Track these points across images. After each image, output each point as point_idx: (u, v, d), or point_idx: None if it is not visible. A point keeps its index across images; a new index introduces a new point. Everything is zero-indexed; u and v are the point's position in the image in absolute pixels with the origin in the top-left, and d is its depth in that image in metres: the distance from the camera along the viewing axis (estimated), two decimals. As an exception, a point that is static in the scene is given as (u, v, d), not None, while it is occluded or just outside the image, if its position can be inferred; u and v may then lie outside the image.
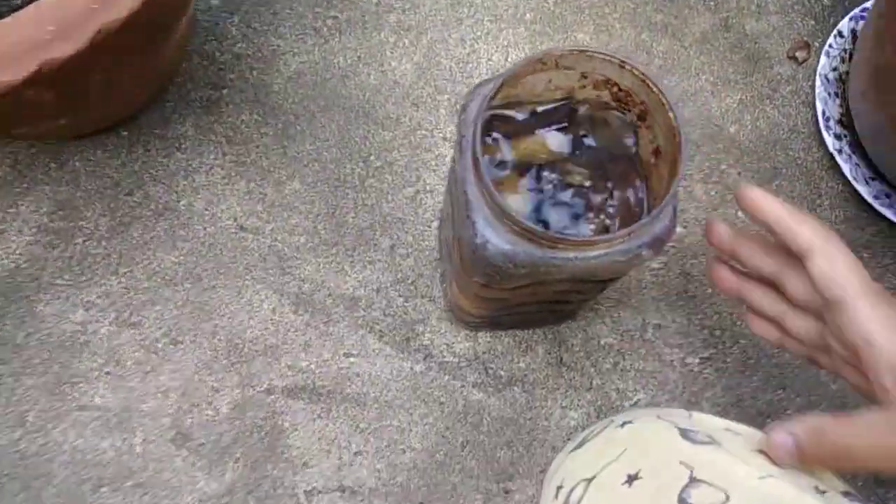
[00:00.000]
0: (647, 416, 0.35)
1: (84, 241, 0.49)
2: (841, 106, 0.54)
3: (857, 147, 0.53)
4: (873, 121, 0.48)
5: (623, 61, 0.31)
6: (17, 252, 0.48)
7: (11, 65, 0.32)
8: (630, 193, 0.35)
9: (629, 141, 0.36)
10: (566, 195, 0.35)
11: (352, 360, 0.48)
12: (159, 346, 0.47)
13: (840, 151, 0.52)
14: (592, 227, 0.35)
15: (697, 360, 0.49)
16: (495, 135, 0.36)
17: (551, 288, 0.38)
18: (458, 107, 0.53)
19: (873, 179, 0.52)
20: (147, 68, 0.43)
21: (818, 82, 0.54)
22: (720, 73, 0.55)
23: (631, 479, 0.29)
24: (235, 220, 0.50)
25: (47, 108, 0.38)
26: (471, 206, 0.30)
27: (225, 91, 0.53)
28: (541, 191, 0.35)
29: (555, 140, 0.36)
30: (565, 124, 0.36)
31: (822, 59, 0.54)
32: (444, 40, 0.55)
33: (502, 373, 0.48)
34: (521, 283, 0.34)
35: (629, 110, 0.35)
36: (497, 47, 0.55)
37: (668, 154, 0.32)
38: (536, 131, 0.36)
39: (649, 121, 0.34)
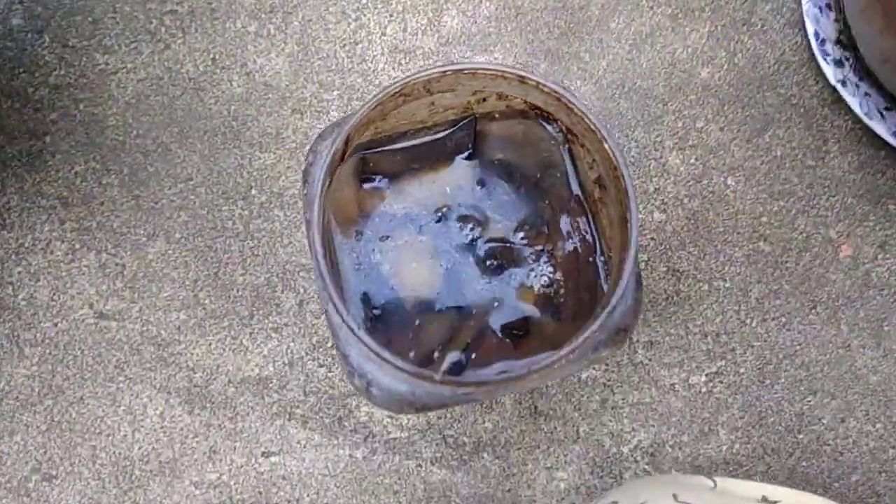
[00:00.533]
0: (656, 494, 0.25)
1: None
2: (837, 21, 0.43)
3: (866, 72, 0.42)
4: (882, 46, 0.37)
5: (524, 76, 0.20)
6: None
7: None
8: (574, 237, 0.25)
9: (562, 164, 0.25)
10: (484, 251, 0.25)
11: (273, 459, 0.38)
12: (30, 485, 0.37)
13: (844, 82, 0.41)
14: (528, 293, 0.24)
15: (704, 378, 0.40)
16: (376, 180, 0.25)
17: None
18: (355, 106, 0.41)
19: (889, 110, 0.42)
20: None
21: (805, -7, 0.42)
22: (680, 1, 0.44)
23: None
24: (91, 306, 0.39)
25: None
26: (338, 335, 0.19)
27: (48, 138, 0.40)
28: (451, 250, 0.25)
29: (459, 176, 0.25)
30: (470, 150, 0.25)
31: (807, -39, 0.43)
32: (320, 18, 0.43)
33: (465, 439, 0.39)
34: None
35: (554, 120, 0.24)
36: (391, 14, 0.43)
37: (613, 195, 0.21)
38: (433, 168, 0.25)
39: (581, 140, 0.23)
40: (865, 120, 0.41)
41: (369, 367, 0.20)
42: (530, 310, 0.25)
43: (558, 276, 0.25)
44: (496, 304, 0.24)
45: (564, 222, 0.26)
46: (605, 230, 0.25)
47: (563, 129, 0.25)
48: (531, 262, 0.25)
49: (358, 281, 0.25)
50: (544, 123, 0.26)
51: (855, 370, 0.40)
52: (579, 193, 0.26)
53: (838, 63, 0.42)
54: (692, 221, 0.42)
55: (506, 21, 0.43)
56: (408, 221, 0.25)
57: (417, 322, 0.24)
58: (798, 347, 0.40)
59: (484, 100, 0.25)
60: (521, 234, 0.25)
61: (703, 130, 0.42)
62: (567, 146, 0.26)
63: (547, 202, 0.25)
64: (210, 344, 0.39)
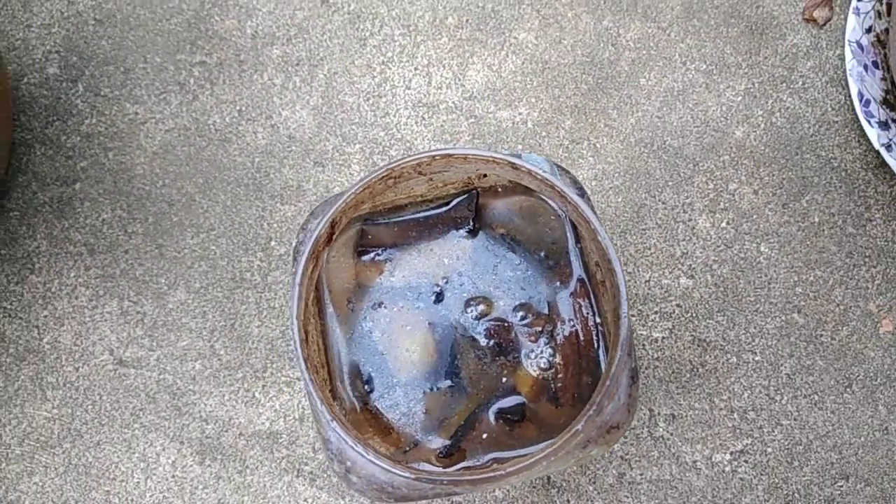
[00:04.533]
0: None
1: (-75, 412, 0.43)
2: (884, 80, 0.44)
3: (912, 135, 0.43)
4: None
5: (514, 162, 0.23)
6: None
7: None
8: (574, 319, 0.27)
9: (565, 242, 0.28)
10: (480, 331, 0.27)
11: (280, 515, 0.41)
12: (44, 524, 0.42)
13: (889, 146, 0.43)
14: (525, 377, 0.27)
15: (728, 456, 0.41)
16: (375, 252, 0.28)
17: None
18: (377, 159, 0.45)
19: (938, 177, 0.43)
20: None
21: (848, 53, 0.44)
22: (715, 56, 0.46)
23: None
24: (112, 352, 0.43)
25: None
26: (319, 420, 0.22)
27: (78, 185, 0.45)
28: (447, 327, 0.28)
29: (459, 251, 0.28)
30: (472, 227, 0.28)
31: (851, 18, 0.45)
32: (345, 71, 0.47)
33: None
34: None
35: (557, 203, 0.27)
36: (415, 69, 0.47)
37: (609, 287, 0.24)
38: (433, 240, 0.28)
39: (581, 223, 0.26)
40: (912, 187, 0.42)
41: (350, 453, 0.23)
42: (528, 394, 0.27)
43: (558, 359, 0.28)
44: (492, 386, 0.27)
45: (566, 303, 0.28)
46: (608, 315, 0.27)
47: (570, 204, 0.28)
48: (530, 343, 0.28)
49: (350, 353, 0.28)
50: (549, 201, 0.28)
51: (892, 455, 0.41)
52: (583, 274, 0.28)
53: (883, 125, 0.44)
54: (721, 289, 0.43)
55: (532, 76, 0.46)
56: (405, 292, 0.28)
57: (410, 400, 0.26)
58: (831, 428, 0.41)
59: (485, 175, 0.28)
60: (522, 314, 0.28)
61: (736, 193, 0.44)
62: (572, 223, 0.28)
63: (550, 280, 0.28)
64: (224, 395, 0.42)
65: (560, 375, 0.27)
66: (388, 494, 0.23)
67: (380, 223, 0.29)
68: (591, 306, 0.28)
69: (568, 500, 0.41)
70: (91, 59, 0.48)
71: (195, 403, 0.43)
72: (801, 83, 0.46)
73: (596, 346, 0.28)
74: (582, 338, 0.28)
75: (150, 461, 0.42)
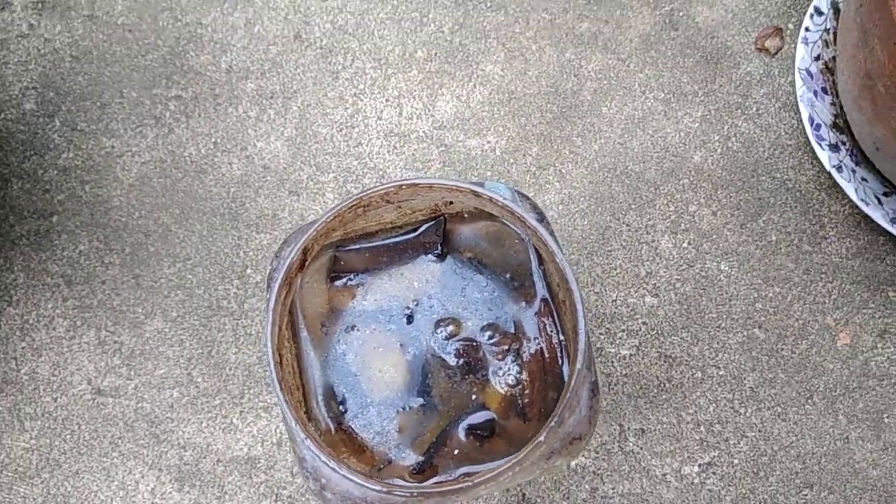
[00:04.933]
0: None
1: None
2: (833, 104, 0.47)
3: (862, 157, 0.46)
4: (874, 134, 0.41)
5: (476, 190, 0.24)
6: None
7: None
8: (539, 338, 0.29)
9: (529, 264, 0.29)
10: (452, 349, 0.29)
11: (258, 541, 0.42)
12: (20, 558, 0.42)
13: (840, 167, 0.45)
14: (494, 394, 0.28)
15: (696, 469, 0.43)
16: (347, 278, 0.29)
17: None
18: (350, 188, 0.47)
19: (887, 196, 0.45)
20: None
21: (798, 80, 0.47)
22: (672, 85, 0.49)
23: None
24: (90, 382, 0.44)
25: None
26: (294, 439, 0.23)
27: (55, 218, 0.46)
28: (418, 347, 0.29)
29: (428, 274, 0.29)
30: (440, 251, 0.29)
31: (800, 48, 0.47)
32: (319, 103, 0.48)
33: (451, 525, 0.42)
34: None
35: (518, 229, 0.29)
36: (386, 100, 0.48)
37: (569, 304, 0.25)
38: (403, 264, 0.30)
39: (541, 246, 0.27)
40: (862, 206, 0.45)
41: (325, 470, 0.24)
42: (496, 410, 0.29)
43: (524, 376, 0.29)
44: (462, 403, 0.28)
45: (531, 322, 0.30)
46: (570, 332, 0.29)
47: (531, 229, 0.29)
48: (498, 361, 0.29)
49: (324, 375, 0.29)
50: (512, 225, 0.30)
51: (853, 464, 0.43)
52: (546, 295, 0.30)
53: (834, 148, 0.46)
54: (685, 306, 0.45)
55: (499, 105, 0.48)
56: (377, 315, 0.29)
57: (383, 420, 0.28)
58: (794, 439, 0.43)
59: (451, 202, 0.30)
60: (489, 334, 0.29)
61: (696, 215, 0.47)
62: (535, 248, 0.30)
63: (515, 301, 0.29)
64: (201, 422, 0.43)
65: (527, 391, 0.29)
66: (362, 509, 0.25)
67: (351, 249, 0.30)
68: (555, 324, 0.30)
69: (543, 517, 0.42)
70: (68, 94, 0.49)
71: (173, 431, 0.43)
72: (755, 109, 0.49)
73: (560, 362, 0.29)
74: (547, 355, 0.29)
75: (129, 489, 0.42)
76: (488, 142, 0.48)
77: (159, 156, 0.48)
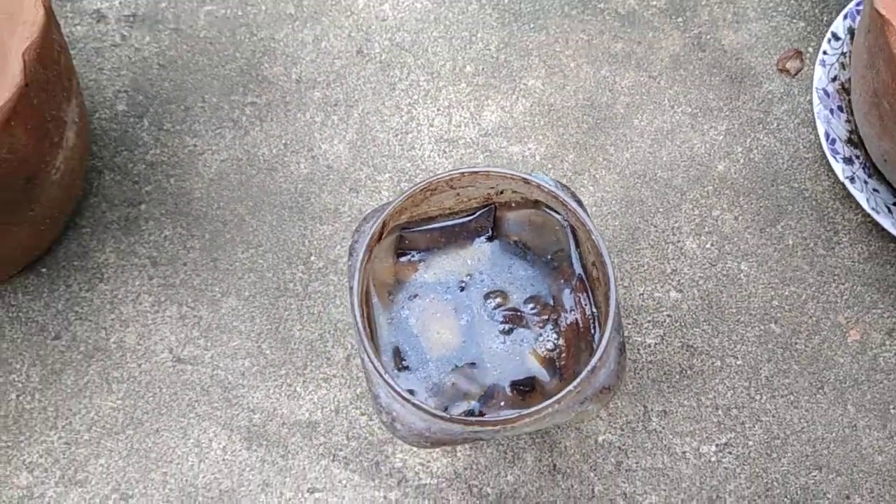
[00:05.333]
0: None
1: (17, 396, 0.49)
2: (848, 122, 0.51)
3: (874, 169, 0.50)
4: (882, 147, 0.46)
5: (526, 178, 0.29)
6: (-64, 425, 0.48)
7: None
8: (575, 310, 0.34)
9: (567, 247, 0.34)
10: (499, 317, 0.34)
11: (317, 496, 0.47)
12: (110, 503, 0.47)
13: (853, 178, 0.49)
14: (534, 356, 0.33)
15: (714, 448, 0.47)
16: (411, 254, 0.35)
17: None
18: (405, 187, 0.52)
19: None
20: (25, 220, 0.43)
21: (815, 99, 0.51)
22: (699, 101, 0.53)
23: None
24: (171, 351, 0.50)
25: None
26: (371, 379, 0.29)
27: (143, 206, 0.52)
28: (471, 315, 0.34)
29: (480, 254, 0.34)
30: (491, 234, 0.35)
31: (818, 70, 0.52)
32: (377, 111, 0.54)
33: (489, 490, 0.46)
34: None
35: (560, 212, 0.34)
36: (438, 109, 0.54)
37: (602, 276, 0.30)
38: (459, 245, 0.35)
39: (579, 227, 0.32)
40: (873, 215, 0.49)
41: (395, 406, 0.29)
42: (536, 370, 0.33)
43: (561, 342, 0.34)
44: (507, 363, 0.33)
45: (568, 297, 0.35)
46: (602, 305, 0.34)
47: (570, 218, 0.34)
48: (539, 329, 0.34)
49: (390, 335, 0.34)
50: (552, 212, 0.35)
51: (860, 449, 0.46)
52: (581, 273, 0.35)
53: (847, 161, 0.50)
54: (706, 302, 0.50)
55: (539, 116, 0.54)
56: (436, 286, 0.34)
57: (440, 374, 0.33)
58: (805, 425, 0.47)
59: (501, 192, 0.35)
60: (531, 306, 0.34)
61: (719, 219, 0.51)
62: (572, 232, 0.35)
63: (554, 278, 0.34)
64: (269, 389, 0.48)
65: (563, 355, 0.34)
66: (425, 438, 0.29)
67: (415, 231, 0.36)
68: (589, 299, 0.34)
69: (571, 485, 0.47)
70: (155, 98, 0.55)
71: (243, 396, 0.49)
72: (775, 124, 0.53)
73: (592, 331, 0.34)
74: (581, 325, 0.34)
75: (203, 446, 0.48)
76: (529, 148, 0.53)
77: (236, 154, 0.54)
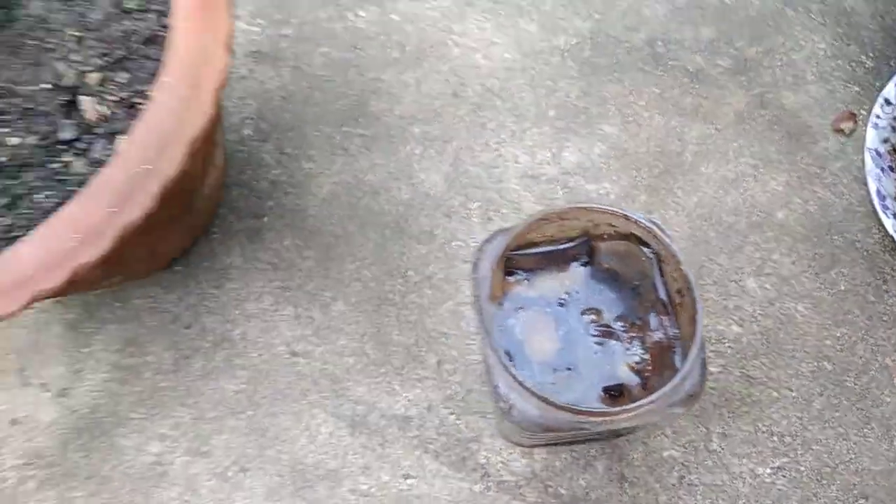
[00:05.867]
0: None
1: (153, 375, 0.56)
2: (898, 180, 0.56)
3: (919, 225, 0.55)
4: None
5: (627, 215, 0.35)
6: (96, 389, 0.55)
7: (47, 274, 0.38)
8: (659, 329, 0.39)
9: (653, 276, 0.40)
10: (593, 331, 0.40)
11: (410, 481, 0.52)
12: (230, 474, 0.53)
13: (900, 232, 0.54)
14: (623, 367, 0.39)
15: (768, 471, 0.51)
16: (518, 273, 0.41)
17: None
18: (492, 216, 0.58)
19: (940, 259, 0.54)
20: (182, 225, 0.50)
21: (867, 158, 0.56)
22: (761, 154, 0.59)
23: None
24: (287, 345, 0.56)
25: (96, 280, 0.44)
26: (492, 371, 0.35)
27: (265, 219, 0.60)
28: (568, 327, 0.40)
29: (577, 277, 0.40)
30: (586, 261, 0.41)
31: (870, 131, 0.57)
32: (469, 147, 0.61)
33: (563, 491, 0.52)
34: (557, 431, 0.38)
35: (650, 245, 0.39)
36: (523, 148, 0.61)
37: (687, 303, 0.36)
38: (558, 268, 0.41)
39: (668, 260, 0.38)
40: (920, 265, 0.53)
41: (512, 395, 0.35)
42: (626, 377, 0.39)
43: (647, 357, 0.39)
44: (599, 371, 0.39)
45: (653, 318, 0.40)
46: (684, 328, 0.39)
47: (655, 250, 0.40)
48: (627, 343, 0.40)
49: (500, 340, 0.40)
50: (641, 245, 0.41)
51: (903, 479, 0.51)
52: (665, 298, 0.40)
53: (898, 216, 0.55)
54: (765, 337, 0.55)
55: (614, 159, 0.60)
56: (539, 301, 0.40)
57: (543, 375, 0.38)
58: (853, 456, 0.51)
59: (597, 225, 0.41)
60: (621, 323, 0.40)
61: (778, 262, 0.56)
62: (658, 263, 0.41)
63: (640, 302, 0.40)
64: (370, 385, 0.55)
65: (648, 367, 0.39)
66: (537, 425, 0.35)
67: (522, 254, 0.42)
68: (671, 321, 0.40)
69: (637, 493, 0.52)
70: (277, 125, 0.63)
71: (348, 389, 0.55)
72: (830, 179, 0.58)
73: (673, 349, 0.39)
74: (664, 343, 0.40)
75: (312, 430, 0.54)
76: (604, 187, 0.59)
77: (346, 178, 0.61)
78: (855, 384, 0.53)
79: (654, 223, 0.38)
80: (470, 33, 0.64)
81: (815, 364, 0.54)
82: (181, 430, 0.54)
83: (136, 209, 0.39)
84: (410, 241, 0.59)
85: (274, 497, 0.52)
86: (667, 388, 0.33)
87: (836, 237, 0.57)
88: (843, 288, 0.56)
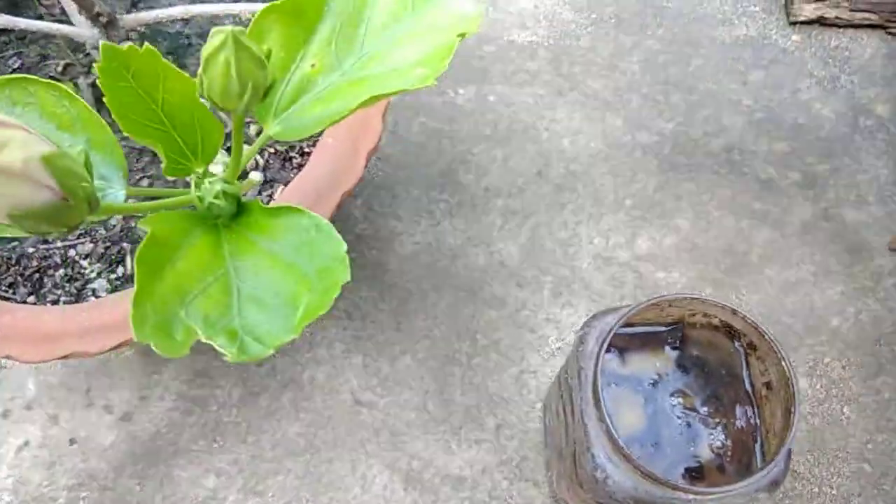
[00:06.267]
0: None
1: (217, 409, 0.58)
2: (947, 302, 0.60)
3: (967, 347, 0.58)
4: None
5: (735, 310, 0.39)
6: (159, 417, 0.57)
7: None
8: (742, 418, 0.42)
9: (740, 367, 0.43)
10: (679, 413, 0.42)
11: (458, 543, 0.54)
12: (274, 515, 0.55)
13: (949, 351, 0.57)
14: (705, 449, 0.41)
15: (811, 566, 0.53)
16: (613, 350, 0.44)
17: None
18: (562, 290, 0.62)
19: None
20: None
21: (922, 278, 0.60)
22: (822, 263, 0.63)
23: None
24: (352, 393, 0.58)
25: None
26: (590, 439, 0.37)
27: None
28: (656, 406, 0.43)
29: (667, 359, 0.43)
30: (677, 346, 0.44)
31: (925, 254, 0.61)
32: (547, 224, 0.65)
33: (608, 566, 0.53)
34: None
35: (739, 339, 0.43)
36: (598, 231, 0.64)
37: (780, 396, 0.39)
38: (651, 350, 0.44)
39: (759, 353, 0.41)
40: (966, 386, 0.56)
41: (609, 465, 0.37)
42: (706, 460, 0.41)
43: (728, 442, 0.42)
44: (683, 451, 0.41)
45: (738, 408, 0.43)
46: (767, 419, 0.42)
47: (745, 344, 0.43)
48: (711, 428, 0.42)
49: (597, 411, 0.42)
50: (731, 338, 0.44)
51: (944, 593, 0.52)
52: (749, 390, 0.43)
53: (946, 336, 0.59)
54: (812, 434, 0.57)
55: (684, 251, 0.63)
56: (630, 379, 0.43)
57: (630, 450, 0.41)
58: (895, 561, 0.53)
59: (694, 314, 0.44)
60: (706, 408, 0.43)
61: (829, 365, 0.59)
62: (745, 356, 0.44)
63: (726, 390, 0.43)
64: (428, 441, 0.57)
65: (728, 453, 0.42)
66: (631, 497, 0.37)
67: (618, 333, 0.45)
68: (754, 412, 0.43)
69: (683, 576, 0.53)
70: (369, 183, 0.67)
71: (407, 443, 0.57)
72: (883, 294, 0.62)
73: (753, 440, 0.42)
74: (745, 432, 0.42)
75: (367, 480, 0.56)
76: (673, 276, 0.63)
77: (427, 240, 0.64)
78: (892, 489, 0.55)
79: (760, 325, 0.42)
80: (559, 120, 0.69)
81: (856, 465, 0.56)
82: (238, 466, 0.56)
83: (351, 178, 0.42)
84: (482, 306, 0.62)
85: (329, 540, 0.54)
86: (760, 474, 0.36)
87: (884, 348, 0.60)
88: (886, 396, 0.58)
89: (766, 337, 0.39)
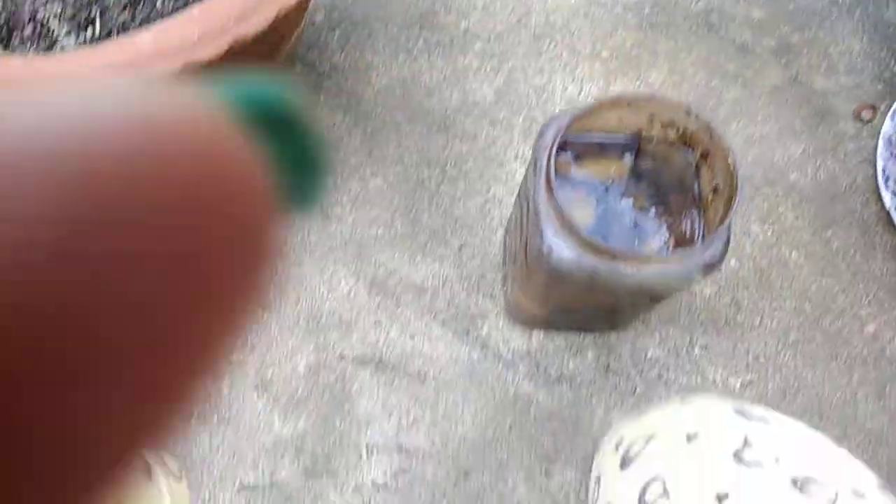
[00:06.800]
0: (704, 396, 0.59)
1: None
2: (900, 164, 0.80)
3: (911, 202, 0.78)
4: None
5: (689, 109, 0.58)
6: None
7: (162, 59, 0.60)
8: (687, 222, 0.61)
9: (691, 179, 0.62)
10: (627, 215, 0.61)
11: (416, 340, 0.73)
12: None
13: None
14: (650, 248, 0.61)
15: (739, 383, 0.73)
16: (567, 155, 0.63)
17: (607, 297, 0.63)
18: (534, 130, 0.81)
19: (923, 233, 0.77)
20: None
21: (881, 143, 0.80)
22: (786, 123, 0.82)
23: (689, 437, 0.52)
24: (322, 208, 0.77)
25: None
26: (541, 218, 0.56)
27: (321, 96, 0.82)
28: (606, 206, 0.62)
29: (622, 168, 0.62)
30: (633, 156, 0.63)
31: (888, 122, 0.81)
32: (523, 69, 0.84)
33: (552, 371, 0.73)
34: (580, 289, 0.59)
35: (693, 150, 0.62)
36: (573, 79, 0.83)
37: (724, 193, 0.58)
38: (606, 158, 0.63)
39: (710, 161, 0.60)
40: (906, 238, 0.76)
41: (556, 240, 0.57)
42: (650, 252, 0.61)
43: (672, 240, 0.61)
44: (630, 246, 0.61)
45: (684, 212, 0.62)
46: (711, 221, 0.61)
47: (698, 155, 0.62)
48: (657, 227, 0.62)
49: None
50: (684, 151, 0.63)
51: (857, 414, 0.72)
52: (696, 197, 0.62)
53: (895, 195, 0.78)
54: (759, 273, 0.77)
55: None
56: (584, 182, 0.62)
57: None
58: (816, 383, 0.73)
59: (652, 126, 0.63)
60: (655, 209, 0.62)
61: (782, 214, 0.79)
62: (697, 168, 0.63)
63: (675, 198, 0.62)
64: (394, 254, 0.76)
65: (671, 250, 0.61)
66: (576, 269, 0.56)
67: (577, 140, 0.64)
68: (699, 216, 0.62)
69: (618, 382, 0.73)
70: (347, 17, 0.86)
71: (374, 255, 0.76)
72: (842, 156, 0.82)
73: (696, 237, 0.61)
74: (690, 233, 0.62)
75: (333, 284, 0.75)
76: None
77: (403, 75, 0.83)
78: (829, 326, 0.75)
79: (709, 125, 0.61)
80: (540, -33, 0.88)
81: (798, 303, 0.76)
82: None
83: (252, 26, 0.61)
84: (453, 139, 0.81)
85: (286, 332, 0.73)
86: (699, 247, 0.55)
87: (837, 205, 0.80)
88: (835, 246, 0.78)
89: (714, 136, 0.58)
